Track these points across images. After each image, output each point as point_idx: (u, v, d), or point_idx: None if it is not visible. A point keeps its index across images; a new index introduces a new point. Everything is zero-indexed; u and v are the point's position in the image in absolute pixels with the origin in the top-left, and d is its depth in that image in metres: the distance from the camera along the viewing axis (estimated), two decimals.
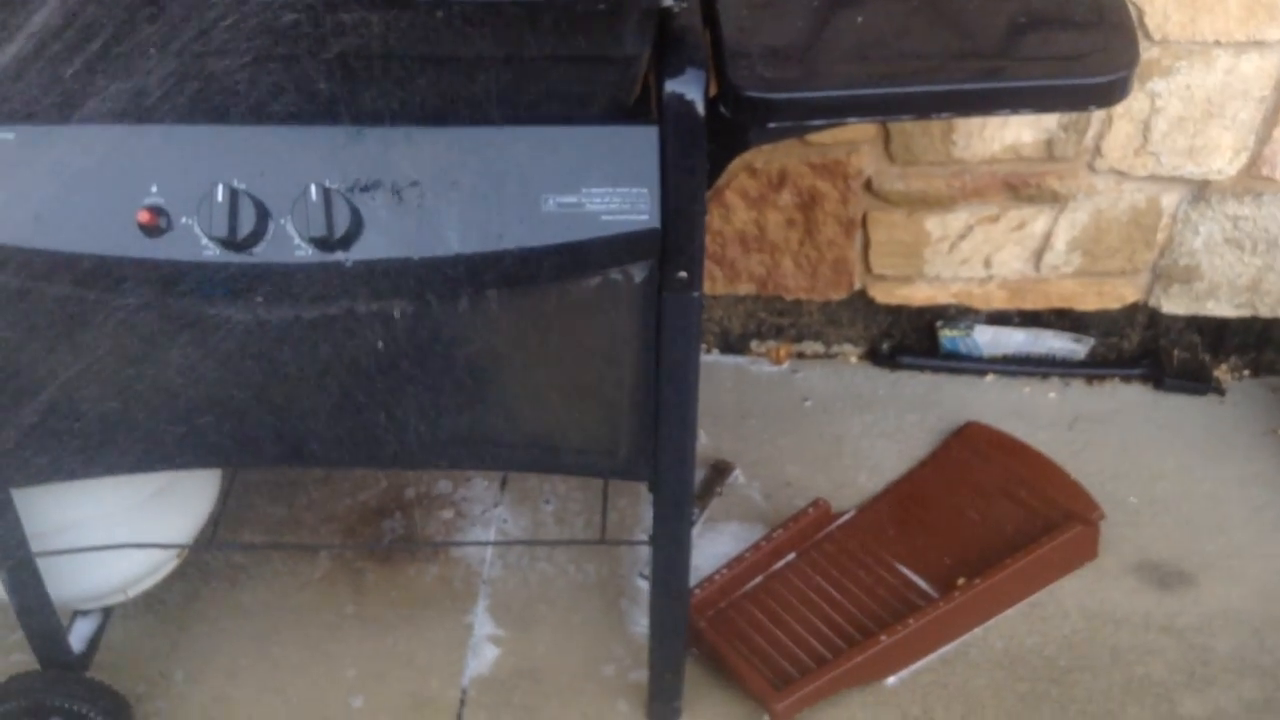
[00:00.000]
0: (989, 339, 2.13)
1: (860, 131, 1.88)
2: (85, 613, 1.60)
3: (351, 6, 1.00)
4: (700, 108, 1.11)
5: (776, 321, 2.15)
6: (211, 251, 1.11)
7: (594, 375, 1.29)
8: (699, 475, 1.97)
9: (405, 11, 1.00)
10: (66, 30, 1.02)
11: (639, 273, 1.19)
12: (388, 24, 1.01)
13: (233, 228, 1.09)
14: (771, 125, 1.13)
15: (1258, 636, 1.75)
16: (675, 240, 1.16)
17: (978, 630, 1.78)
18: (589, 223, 1.13)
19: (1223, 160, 1.87)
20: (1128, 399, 2.11)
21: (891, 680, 1.72)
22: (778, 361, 2.18)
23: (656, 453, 1.35)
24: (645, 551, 1.78)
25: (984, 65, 1.16)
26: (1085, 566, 1.85)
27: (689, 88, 1.11)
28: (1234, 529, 1.90)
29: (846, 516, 1.90)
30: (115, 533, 1.49)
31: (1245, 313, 2.06)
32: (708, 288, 2.08)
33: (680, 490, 1.39)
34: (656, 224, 1.14)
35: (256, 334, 1.19)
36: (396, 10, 1.00)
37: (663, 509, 1.42)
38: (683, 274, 1.19)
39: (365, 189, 1.11)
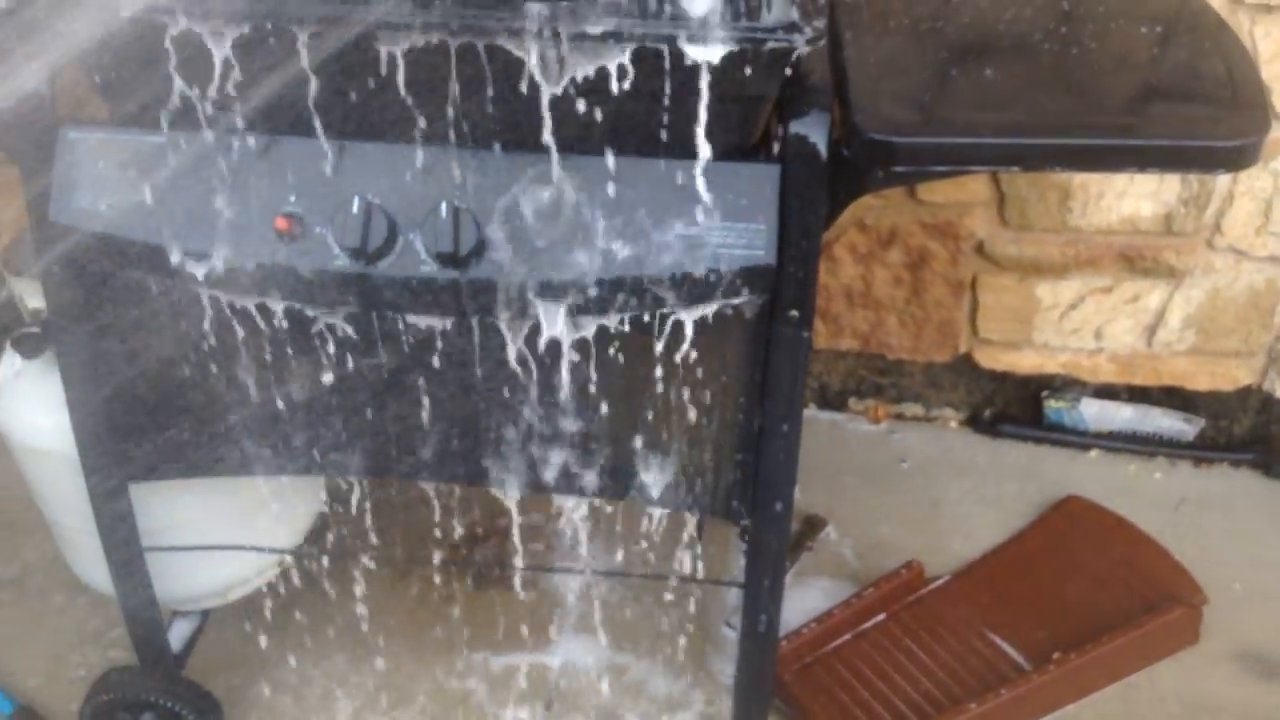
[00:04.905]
0: (1095, 413, 2.09)
1: (974, 193, 1.88)
2: (184, 613, 1.64)
3: (499, 52, 1.04)
4: (823, 149, 1.13)
5: (877, 380, 2.14)
6: (341, 261, 1.14)
7: (698, 408, 1.29)
8: (791, 527, 1.96)
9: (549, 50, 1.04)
10: (221, 49, 1.07)
11: (750, 308, 1.20)
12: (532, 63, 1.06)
13: (365, 239, 1.12)
14: (897, 169, 1.13)
15: None
16: (789, 278, 1.17)
17: (1070, 707, 1.73)
18: (707, 255, 1.15)
19: None
20: (1236, 484, 2.06)
21: None
22: (876, 421, 2.17)
23: (755, 492, 1.35)
24: (732, 601, 1.78)
25: (1112, 122, 1.16)
26: (1185, 651, 1.80)
27: (813, 129, 1.12)
28: None
29: (940, 581, 1.87)
30: (221, 536, 1.53)
31: None
32: None
33: (777, 531, 1.38)
34: (772, 260, 1.15)
35: (377, 344, 1.22)
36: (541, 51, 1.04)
37: (757, 552, 1.42)
38: (794, 312, 1.20)
39: (492, 211, 1.14)
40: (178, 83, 1.11)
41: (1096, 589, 1.85)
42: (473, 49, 1.05)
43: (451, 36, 1.04)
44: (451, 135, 1.13)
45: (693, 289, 1.16)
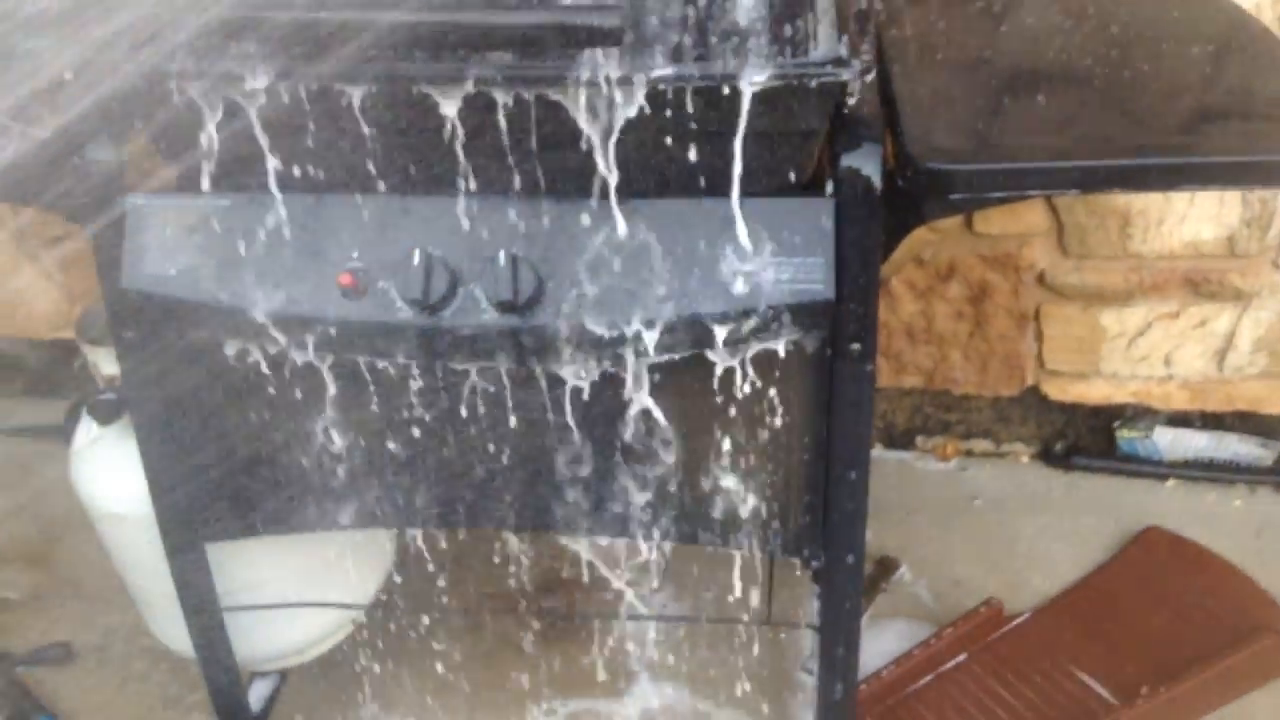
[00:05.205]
0: (1169, 441, 2.05)
1: (1032, 224, 1.86)
2: (263, 674, 1.65)
3: (548, 101, 1.06)
4: (877, 181, 1.13)
5: (944, 417, 2.12)
6: (405, 313, 1.16)
7: (764, 449, 1.29)
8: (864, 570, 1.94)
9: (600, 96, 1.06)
10: (280, 110, 1.10)
11: (811, 343, 1.20)
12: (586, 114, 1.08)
13: (426, 291, 1.14)
14: (953, 197, 1.13)
15: None
16: (849, 311, 1.17)
17: None
18: (765, 292, 1.15)
19: None
20: None
21: None
22: (945, 458, 2.14)
23: (825, 530, 1.34)
24: (808, 645, 1.75)
25: (1170, 141, 1.15)
26: (1277, 680, 1.74)
27: (865, 162, 1.13)
28: None
29: (1021, 619, 1.84)
30: (297, 594, 1.54)
31: None
32: None
33: (850, 570, 1.37)
34: (831, 294, 1.15)
35: (442, 394, 1.24)
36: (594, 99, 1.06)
37: (830, 592, 1.40)
38: (856, 345, 1.19)
39: (549, 257, 1.16)
40: (238, 144, 1.14)
41: (1182, 621, 1.80)
42: (522, 99, 1.07)
43: (500, 88, 1.06)
44: (506, 184, 1.14)
45: (753, 326, 1.16)
